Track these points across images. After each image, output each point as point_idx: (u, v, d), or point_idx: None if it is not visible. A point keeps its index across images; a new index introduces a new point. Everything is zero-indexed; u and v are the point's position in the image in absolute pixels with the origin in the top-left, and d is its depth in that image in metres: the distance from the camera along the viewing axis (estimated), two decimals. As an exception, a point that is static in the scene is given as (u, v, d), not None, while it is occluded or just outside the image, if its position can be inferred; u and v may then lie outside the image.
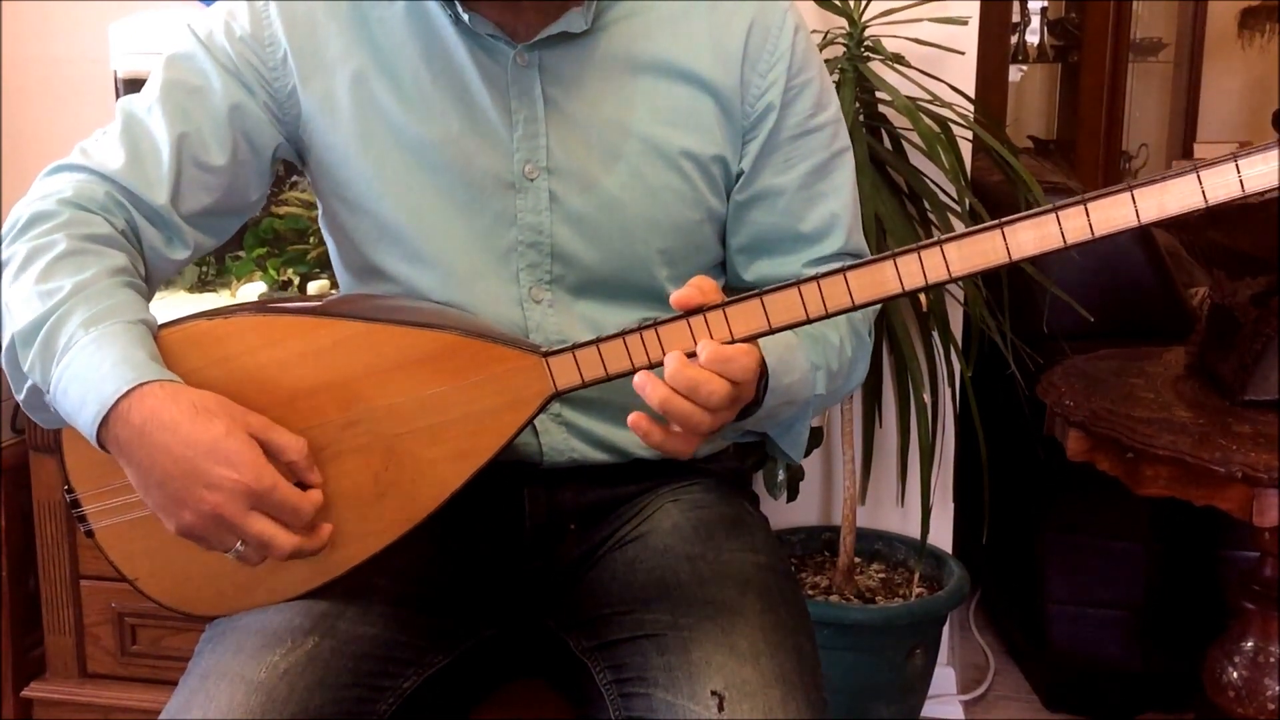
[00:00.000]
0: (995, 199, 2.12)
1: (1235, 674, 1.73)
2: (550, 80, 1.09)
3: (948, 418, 2.13)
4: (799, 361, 1.03)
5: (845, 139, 1.17)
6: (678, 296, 0.90)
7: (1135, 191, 0.81)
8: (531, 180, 1.09)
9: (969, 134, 1.99)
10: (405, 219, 1.11)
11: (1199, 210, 0.81)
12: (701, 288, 0.90)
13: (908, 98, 1.86)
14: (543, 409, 0.97)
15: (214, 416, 0.91)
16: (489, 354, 0.97)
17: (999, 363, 2.00)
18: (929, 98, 1.92)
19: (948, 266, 0.86)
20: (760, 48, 1.11)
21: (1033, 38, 5.17)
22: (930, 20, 1.94)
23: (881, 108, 1.98)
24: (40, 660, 1.99)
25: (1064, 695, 2.26)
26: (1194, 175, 0.80)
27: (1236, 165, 0.79)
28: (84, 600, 1.92)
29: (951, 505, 2.24)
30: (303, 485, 0.95)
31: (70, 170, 1.08)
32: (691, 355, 0.89)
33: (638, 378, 0.90)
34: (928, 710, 2.18)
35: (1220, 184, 0.80)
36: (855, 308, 0.88)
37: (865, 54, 1.94)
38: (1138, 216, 0.82)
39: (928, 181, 1.94)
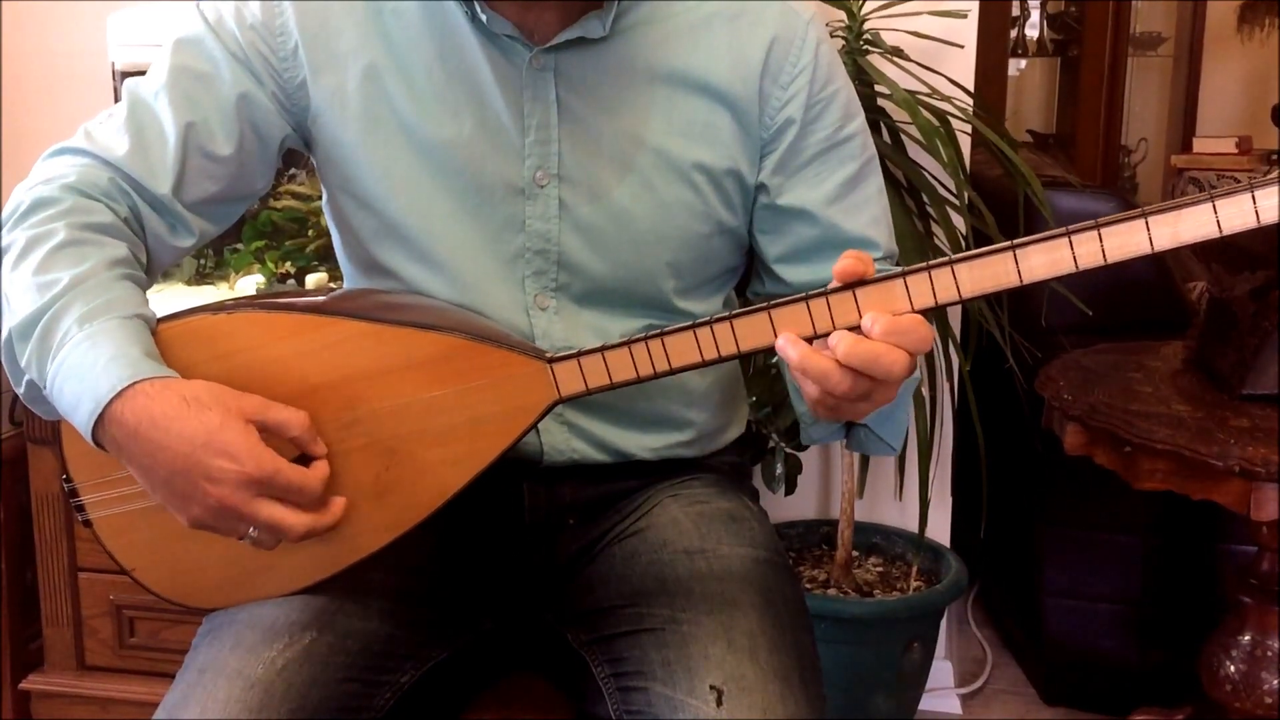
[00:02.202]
0: (994, 193, 2.12)
1: (1232, 668, 1.73)
2: (565, 85, 1.07)
3: (946, 411, 2.13)
4: None
5: (872, 146, 1.16)
6: (840, 268, 0.85)
7: (1150, 219, 0.81)
8: (542, 187, 1.08)
9: (968, 128, 1.99)
10: (413, 220, 1.10)
11: (1213, 239, 0.80)
12: (860, 258, 0.86)
13: (907, 91, 1.86)
14: (545, 415, 0.97)
15: (206, 408, 0.90)
16: (493, 358, 0.96)
17: (997, 357, 2.00)
18: (928, 91, 1.92)
19: (958, 287, 0.85)
20: (782, 61, 1.09)
21: (1032, 31, 5.17)
22: (929, 14, 1.94)
23: (880, 101, 1.97)
24: (38, 652, 1.99)
25: (1061, 689, 2.26)
26: (1209, 205, 0.79)
27: (1252, 196, 0.78)
28: (82, 593, 1.92)
29: (949, 499, 2.25)
30: (308, 460, 0.94)
31: (73, 153, 1.06)
32: (814, 339, 0.86)
33: (780, 341, 0.85)
34: (925, 704, 2.19)
35: (1235, 214, 0.79)
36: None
37: (864, 47, 1.94)
38: (1151, 244, 0.81)
39: (926, 175, 1.94)
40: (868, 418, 1.03)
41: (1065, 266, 0.83)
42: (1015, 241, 0.83)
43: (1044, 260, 0.83)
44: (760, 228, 1.14)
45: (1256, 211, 0.79)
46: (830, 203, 1.12)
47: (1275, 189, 0.78)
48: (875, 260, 1.12)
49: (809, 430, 1.11)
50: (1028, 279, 0.84)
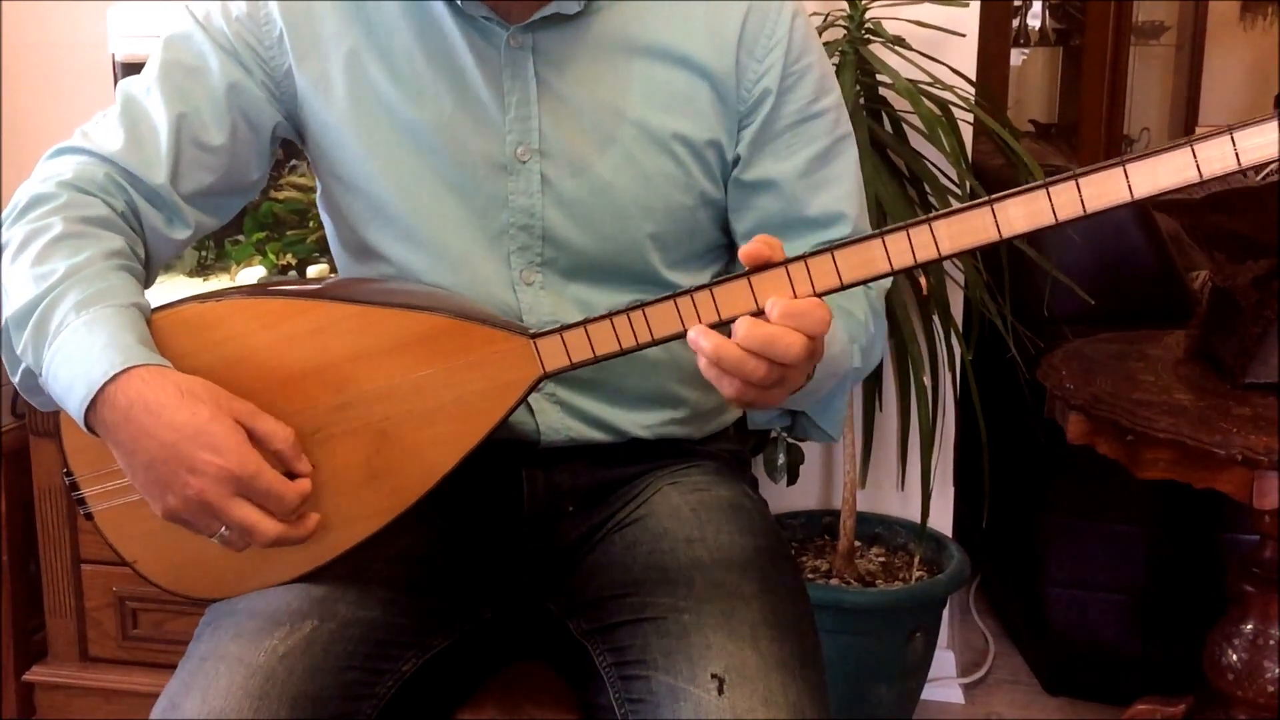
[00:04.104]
0: (996, 183, 2.12)
1: (1235, 657, 1.73)
2: (543, 62, 1.09)
3: (948, 401, 2.13)
4: (839, 333, 1.01)
5: (848, 124, 1.16)
6: (745, 250, 0.86)
7: (1128, 166, 0.80)
8: (523, 162, 1.09)
9: (970, 117, 1.99)
10: (398, 199, 1.11)
11: (1194, 184, 0.80)
12: (769, 242, 0.87)
13: (909, 80, 1.85)
14: (531, 391, 0.97)
15: (199, 401, 0.91)
16: (477, 336, 0.97)
17: (999, 346, 2.00)
18: (930, 81, 1.92)
19: (937, 245, 0.85)
20: (757, 32, 1.10)
21: (1034, 21, 5.16)
22: (931, 2, 1.94)
23: (882, 91, 1.97)
24: (42, 644, 1.99)
25: (1064, 678, 2.27)
26: (1188, 149, 0.79)
27: (1232, 138, 0.78)
28: (85, 584, 1.92)
29: (952, 489, 2.24)
30: (292, 475, 0.95)
31: (71, 153, 1.08)
32: (718, 325, 0.87)
33: (692, 333, 0.86)
34: (927, 693, 2.19)
35: (1215, 156, 0.78)
36: (843, 287, 0.87)
37: (866, 36, 1.94)
38: (1130, 191, 0.80)
39: (929, 165, 1.94)
40: (807, 406, 1.06)
41: (1044, 219, 0.82)
42: (993, 196, 0.83)
43: (1022, 212, 0.83)
44: (731, 204, 1.15)
45: (1236, 154, 0.78)
46: (798, 177, 1.12)
47: (1254, 130, 0.78)
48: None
49: (753, 414, 1.11)
50: (1007, 233, 0.83)
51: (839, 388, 1.08)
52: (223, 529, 0.92)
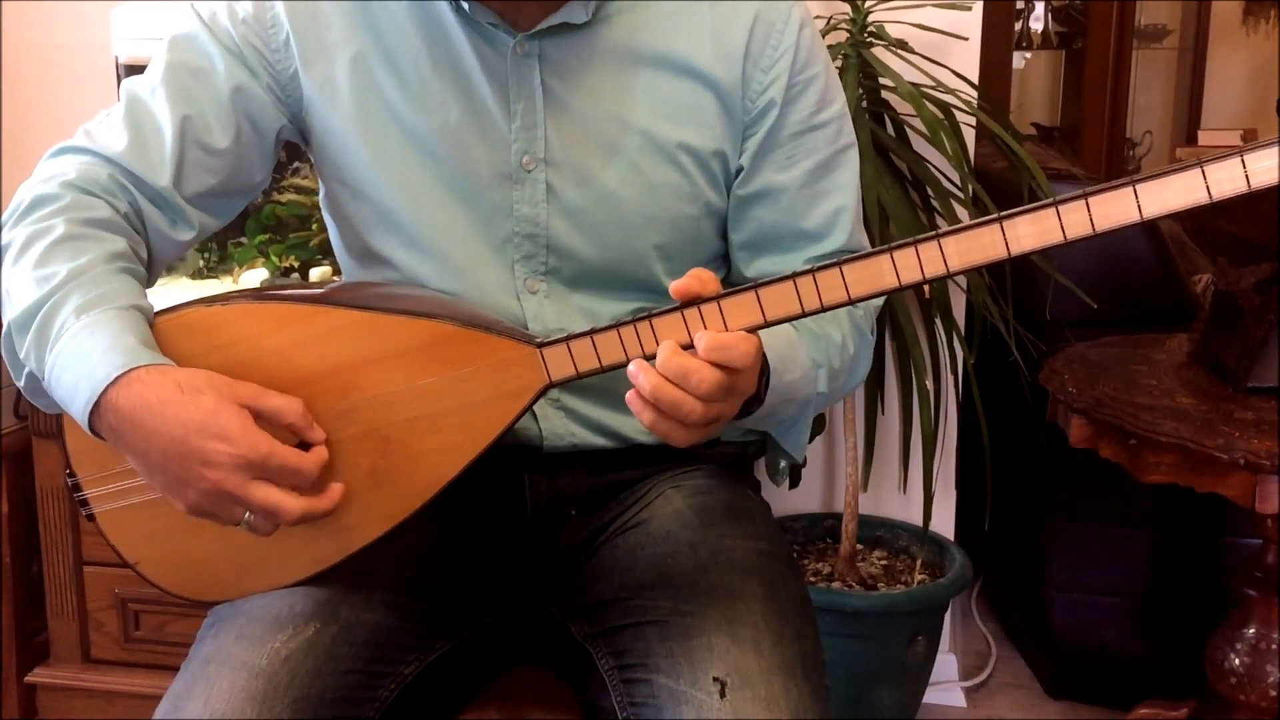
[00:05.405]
0: (999, 186, 2.12)
1: (1237, 660, 1.73)
2: (550, 71, 1.08)
3: (950, 404, 2.13)
4: (800, 359, 1.02)
5: (850, 135, 1.16)
6: (676, 285, 0.89)
7: (1138, 186, 0.80)
8: (529, 172, 1.09)
9: (972, 121, 1.99)
10: (403, 206, 1.11)
11: (1203, 206, 0.80)
12: (700, 278, 0.89)
13: (911, 84, 1.85)
14: (537, 400, 0.97)
15: (200, 392, 0.91)
16: (484, 344, 0.97)
17: (1002, 349, 2.00)
18: (932, 84, 1.92)
19: (945, 261, 0.85)
20: (764, 43, 1.10)
21: (1037, 24, 5.16)
22: (934, 6, 1.94)
23: (885, 94, 1.97)
24: (44, 646, 1.99)
25: (1066, 682, 2.26)
26: (1198, 170, 0.79)
27: (1242, 160, 0.78)
28: (87, 586, 1.92)
29: (954, 492, 2.24)
30: (306, 446, 0.94)
31: (74, 152, 1.08)
32: (688, 346, 0.88)
33: (631, 366, 0.89)
34: (929, 697, 2.19)
35: (1225, 179, 0.79)
36: (850, 302, 0.88)
37: (868, 40, 1.94)
38: (1140, 212, 0.81)
39: (931, 168, 1.94)
40: (769, 428, 1.08)
41: (1053, 237, 0.83)
42: (1002, 213, 0.83)
43: (1031, 230, 0.83)
44: (729, 214, 1.15)
45: (1247, 176, 0.78)
46: (798, 187, 1.12)
47: (1265, 153, 0.78)
48: (836, 253, 1.13)
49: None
50: (1015, 250, 0.84)
51: (802, 412, 1.09)
52: (247, 515, 0.92)
